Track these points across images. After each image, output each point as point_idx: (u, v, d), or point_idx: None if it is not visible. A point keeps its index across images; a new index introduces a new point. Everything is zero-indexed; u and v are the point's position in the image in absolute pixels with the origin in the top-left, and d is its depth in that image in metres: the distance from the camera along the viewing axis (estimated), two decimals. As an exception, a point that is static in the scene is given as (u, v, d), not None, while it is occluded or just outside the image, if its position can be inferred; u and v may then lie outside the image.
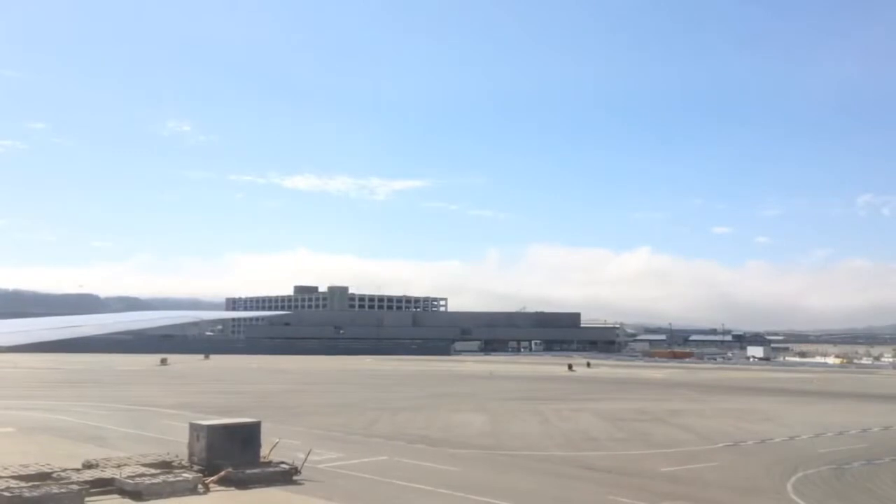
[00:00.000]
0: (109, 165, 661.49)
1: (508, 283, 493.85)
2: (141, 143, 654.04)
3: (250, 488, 25.48)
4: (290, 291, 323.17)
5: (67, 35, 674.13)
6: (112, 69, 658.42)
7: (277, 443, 29.19)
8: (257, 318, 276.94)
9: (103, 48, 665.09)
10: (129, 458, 28.02)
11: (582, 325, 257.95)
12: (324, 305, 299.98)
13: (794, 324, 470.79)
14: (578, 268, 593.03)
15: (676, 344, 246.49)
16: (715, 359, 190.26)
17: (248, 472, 26.30)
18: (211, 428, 27.53)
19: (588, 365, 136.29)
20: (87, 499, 22.97)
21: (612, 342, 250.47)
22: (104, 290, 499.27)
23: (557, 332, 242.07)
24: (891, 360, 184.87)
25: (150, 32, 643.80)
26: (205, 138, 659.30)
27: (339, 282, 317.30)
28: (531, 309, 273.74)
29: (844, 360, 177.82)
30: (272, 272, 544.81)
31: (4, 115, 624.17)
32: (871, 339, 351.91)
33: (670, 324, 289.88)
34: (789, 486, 27.51)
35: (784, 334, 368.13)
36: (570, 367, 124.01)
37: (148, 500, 23.45)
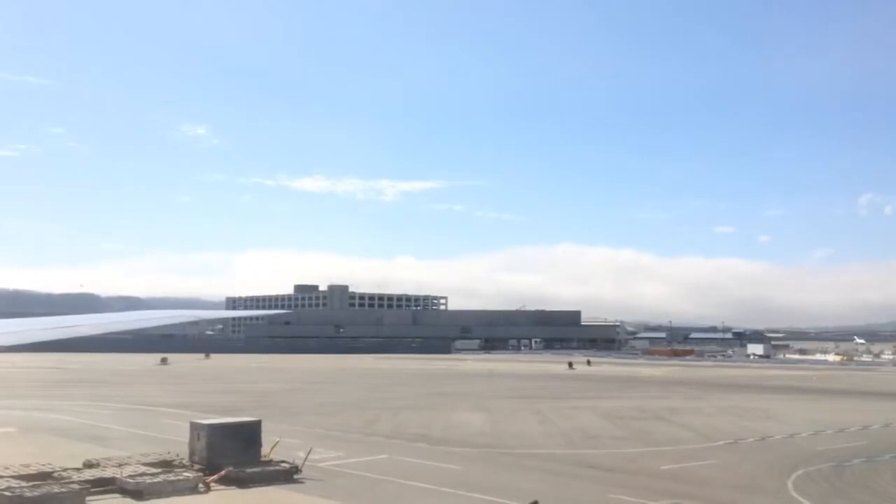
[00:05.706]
0: (121, 169, 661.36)
1: (510, 281, 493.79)
2: (155, 147, 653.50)
3: (251, 487, 25.51)
4: (290, 291, 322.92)
5: (85, 41, 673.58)
6: (128, 75, 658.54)
7: (278, 442, 29.20)
8: (257, 318, 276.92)
9: (120, 54, 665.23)
10: (129, 458, 28.01)
11: (582, 324, 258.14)
12: (324, 304, 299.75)
13: (795, 321, 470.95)
14: (580, 266, 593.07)
15: (676, 342, 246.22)
16: (715, 356, 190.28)
17: (249, 471, 26.32)
18: (212, 427, 27.56)
19: (588, 363, 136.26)
20: (88, 498, 22.97)
21: (613, 340, 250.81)
22: (105, 289, 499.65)
23: (557, 331, 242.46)
24: (891, 357, 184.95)
25: (166, 38, 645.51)
26: (218, 142, 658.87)
27: (344, 282, 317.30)
28: (531, 307, 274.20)
29: (844, 358, 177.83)
30: (275, 272, 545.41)
31: (25, 120, 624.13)
32: (871, 336, 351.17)
33: (670, 322, 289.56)
34: (790, 484, 27.52)
35: (784, 332, 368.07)
36: (570, 365, 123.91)
37: (149, 499, 23.46)
